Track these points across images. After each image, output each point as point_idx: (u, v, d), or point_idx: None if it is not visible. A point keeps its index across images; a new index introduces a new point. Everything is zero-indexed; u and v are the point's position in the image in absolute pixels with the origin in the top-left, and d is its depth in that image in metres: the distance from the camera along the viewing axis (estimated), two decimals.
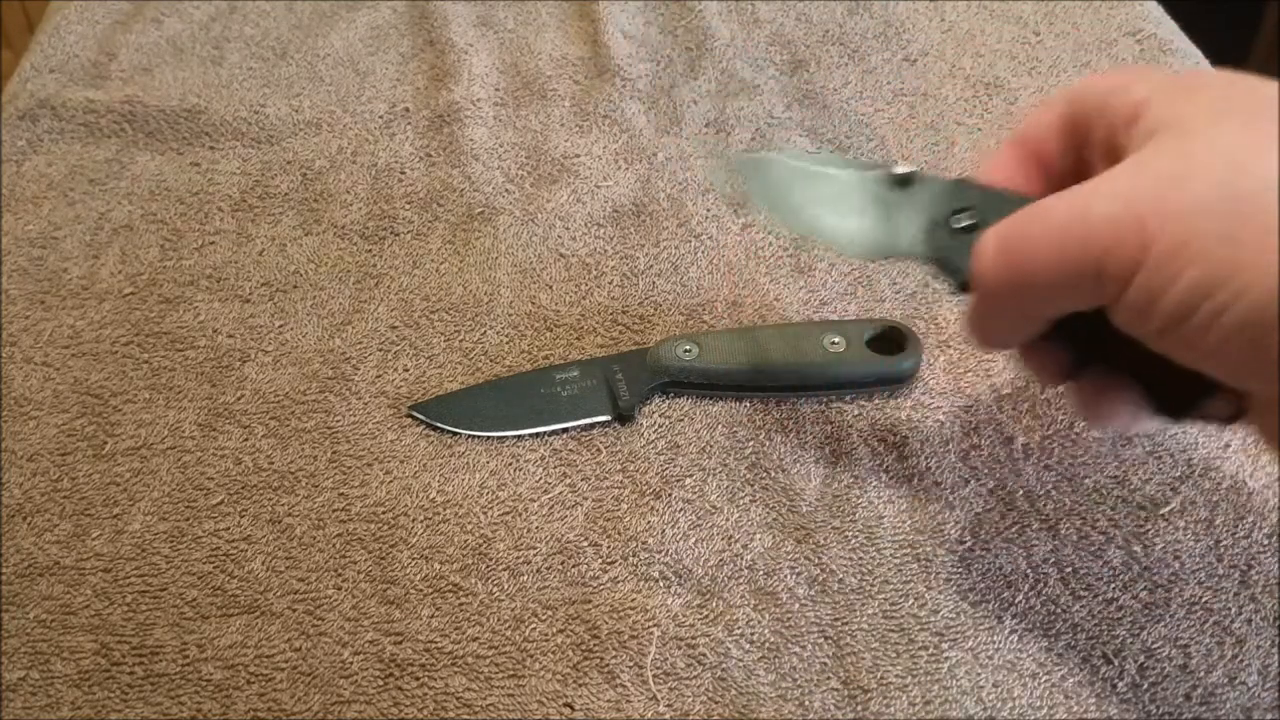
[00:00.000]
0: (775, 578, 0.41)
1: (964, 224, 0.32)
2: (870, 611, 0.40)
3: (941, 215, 0.33)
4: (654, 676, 0.38)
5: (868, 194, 0.34)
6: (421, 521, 0.43)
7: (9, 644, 0.39)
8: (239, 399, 0.47)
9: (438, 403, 0.47)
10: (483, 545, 0.42)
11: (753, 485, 0.44)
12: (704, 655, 0.39)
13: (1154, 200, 0.27)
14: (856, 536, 0.42)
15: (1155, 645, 0.39)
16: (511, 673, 0.39)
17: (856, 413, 0.46)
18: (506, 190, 0.57)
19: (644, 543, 0.42)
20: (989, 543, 0.42)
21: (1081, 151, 0.32)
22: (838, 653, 0.39)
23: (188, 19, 0.69)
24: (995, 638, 0.39)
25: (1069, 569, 0.41)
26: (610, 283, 0.52)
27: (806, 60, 0.64)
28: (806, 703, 0.38)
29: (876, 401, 0.47)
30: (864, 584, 0.41)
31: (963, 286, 0.33)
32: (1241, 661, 0.39)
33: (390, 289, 0.52)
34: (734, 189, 0.39)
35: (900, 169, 0.34)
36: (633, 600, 0.40)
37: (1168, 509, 0.43)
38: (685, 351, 0.47)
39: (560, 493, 0.44)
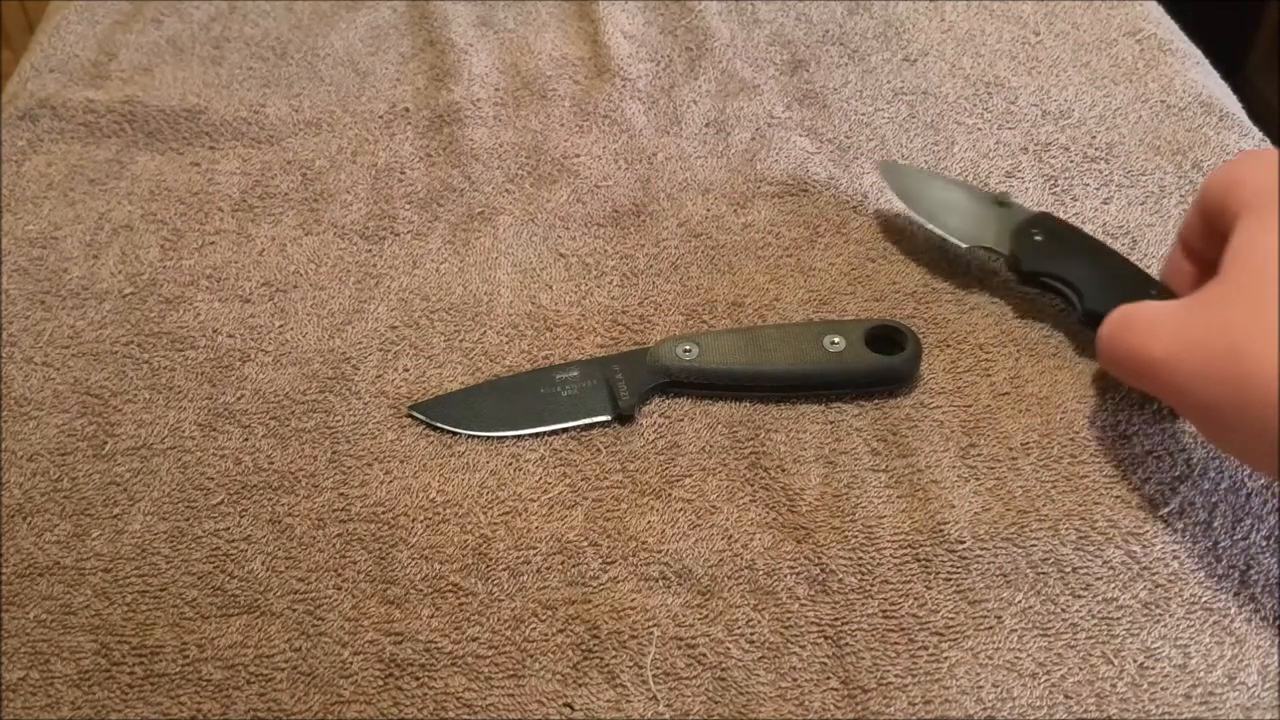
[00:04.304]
0: (775, 578, 0.41)
1: (1038, 237, 0.49)
2: (870, 611, 0.40)
3: (1024, 229, 0.50)
4: (654, 676, 0.38)
5: (976, 205, 0.51)
6: (421, 521, 0.43)
7: (9, 644, 0.39)
8: (239, 399, 0.47)
9: (438, 403, 0.47)
10: (483, 545, 0.42)
11: (753, 485, 0.44)
12: (704, 655, 0.39)
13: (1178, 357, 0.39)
14: (856, 536, 0.42)
15: (1155, 645, 0.39)
16: (511, 673, 0.39)
17: (856, 413, 0.46)
18: (506, 190, 0.57)
19: (644, 543, 0.42)
20: (989, 543, 0.42)
21: (1216, 232, 0.42)
22: (838, 653, 0.39)
23: (188, 19, 0.69)
24: (995, 638, 0.39)
25: (1069, 569, 0.41)
26: (610, 283, 0.52)
27: (806, 60, 0.64)
28: (806, 703, 0.38)
29: (876, 401, 0.47)
30: (864, 584, 0.41)
31: (1021, 277, 0.50)
32: (1241, 661, 0.39)
33: (390, 289, 0.52)
34: (889, 185, 0.53)
35: (1000, 194, 0.52)
36: (633, 600, 0.40)
37: (1167, 509, 0.43)
38: (685, 351, 0.47)
39: (560, 493, 0.44)
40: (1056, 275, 0.48)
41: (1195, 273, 0.45)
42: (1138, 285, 0.47)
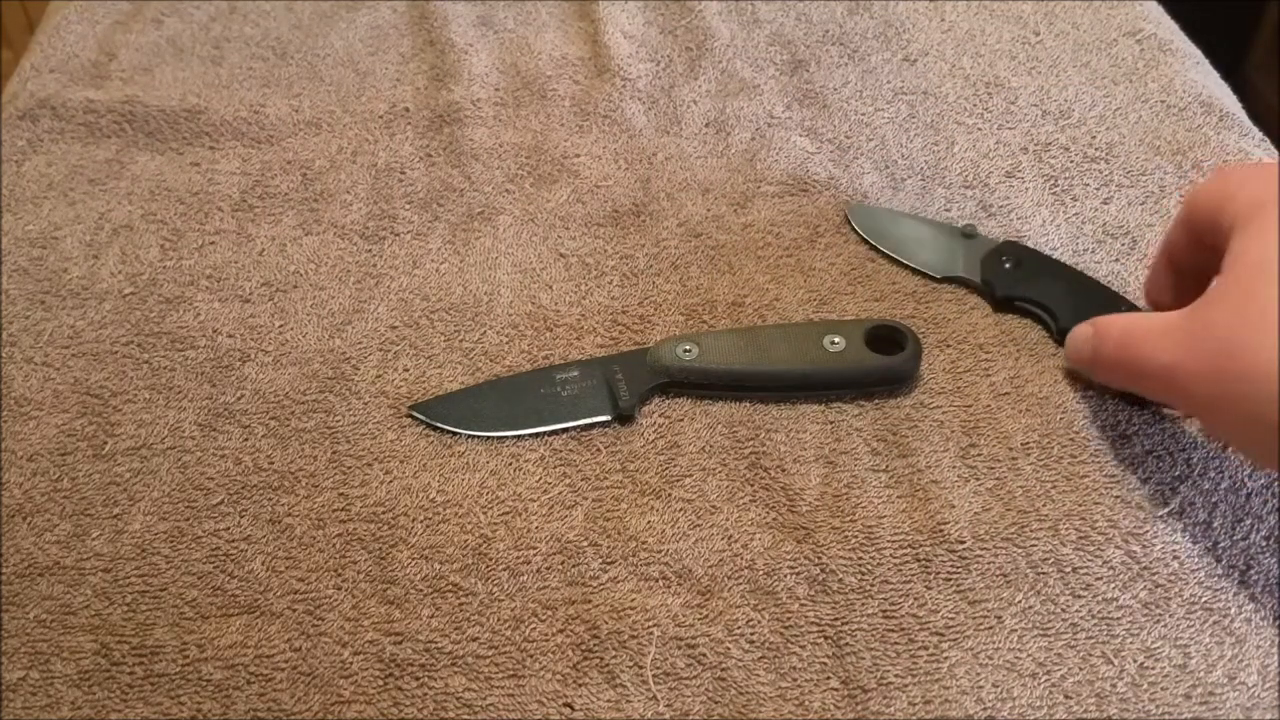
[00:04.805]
0: (775, 578, 0.41)
1: (1007, 264, 0.51)
2: (870, 611, 0.40)
3: (992, 258, 0.51)
4: (654, 676, 0.38)
5: (943, 238, 0.53)
6: (421, 521, 0.43)
7: (9, 644, 0.39)
8: (239, 399, 0.47)
9: (438, 403, 0.47)
10: (483, 545, 0.42)
11: (753, 485, 0.44)
12: (704, 655, 0.39)
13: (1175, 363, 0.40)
14: (856, 536, 0.42)
15: (1155, 645, 0.39)
16: (511, 673, 0.39)
17: (856, 413, 0.46)
18: (506, 190, 0.57)
19: (644, 543, 0.42)
20: (989, 543, 0.42)
21: (1205, 246, 0.43)
22: (838, 653, 0.39)
23: (188, 19, 0.69)
24: (995, 638, 0.39)
25: (1069, 569, 0.41)
26: (610, 283, 0.52)
27: (806, 60, 0.64)
28: (806, 703, 0.38)
29: (876, 401, 0.47)
30: (864, 584, 0.41)
31: (995, 303, 0.50)
32: (1241, 661, 0.39)
33: (390, 289, 0.52)
34: (854, 225, 0.54)
35: (966, 226, 0.53)
36: (633, 600, 0.40)
37: (1166, 509, 0.43)
38: (685, 351, 0.47)
39: (560, 493, 0.44)
40: (1032, 299, 0.49)
41: (1178, 287, 0.46)
42: (1108, 303, 0.48)
